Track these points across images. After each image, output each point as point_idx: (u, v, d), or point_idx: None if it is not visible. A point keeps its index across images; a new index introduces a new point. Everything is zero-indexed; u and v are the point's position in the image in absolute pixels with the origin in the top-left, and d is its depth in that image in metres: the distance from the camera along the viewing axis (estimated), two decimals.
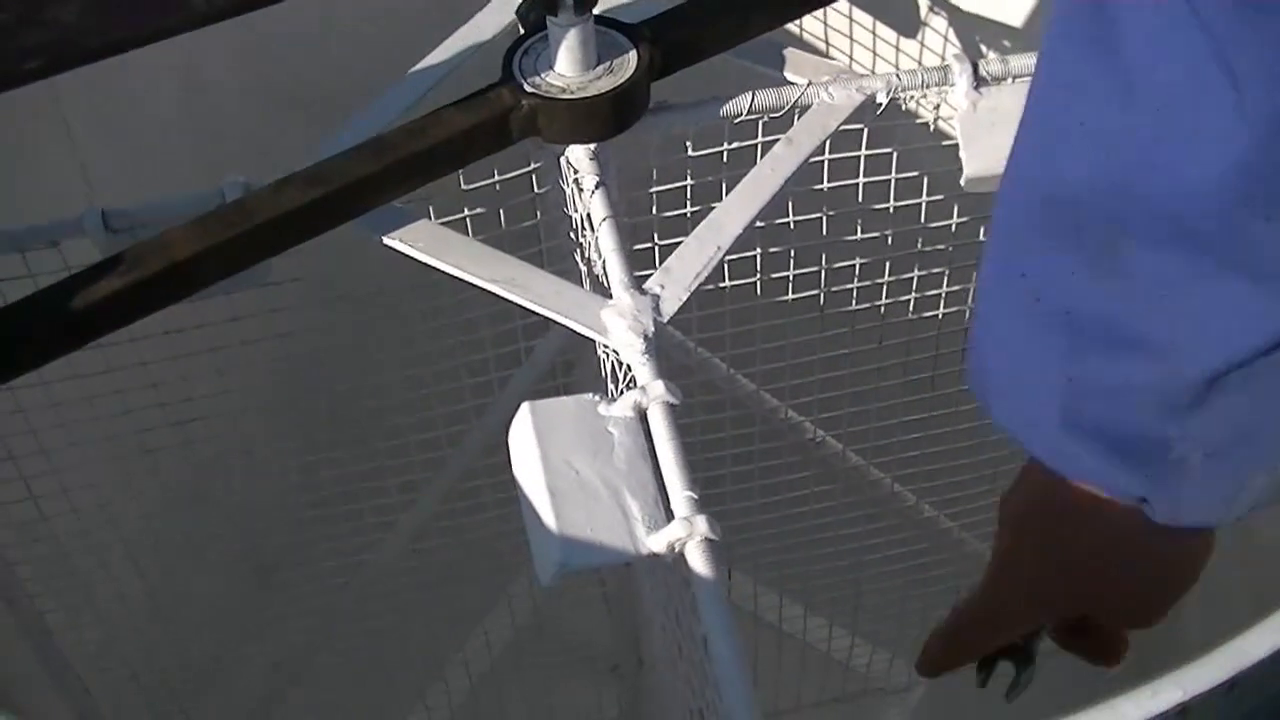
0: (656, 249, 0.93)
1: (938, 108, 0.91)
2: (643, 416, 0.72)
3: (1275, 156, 0.47)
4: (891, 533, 1.24)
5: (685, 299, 0.80)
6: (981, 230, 1.00)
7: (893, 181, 0.96)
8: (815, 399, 1.10)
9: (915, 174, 0.96)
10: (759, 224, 0.85)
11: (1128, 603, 0.68)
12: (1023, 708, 1.45)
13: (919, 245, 1.01)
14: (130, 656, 1.18)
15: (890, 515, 1.22)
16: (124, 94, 1.21)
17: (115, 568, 1.10)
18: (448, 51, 0.92)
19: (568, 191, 0.87)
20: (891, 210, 0.97)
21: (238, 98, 1.30)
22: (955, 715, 1.46)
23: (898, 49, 1.30)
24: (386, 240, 0.83)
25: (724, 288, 0.97)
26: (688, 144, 0.91)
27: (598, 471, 0.69)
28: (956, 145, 0.88)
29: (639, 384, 0.74)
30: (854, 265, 1.02)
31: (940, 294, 1.05)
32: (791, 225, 0.96)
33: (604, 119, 0.85)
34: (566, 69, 0.84)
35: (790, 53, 0.92)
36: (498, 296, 0.81)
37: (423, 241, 0.83)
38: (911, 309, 1.05)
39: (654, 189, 0.94)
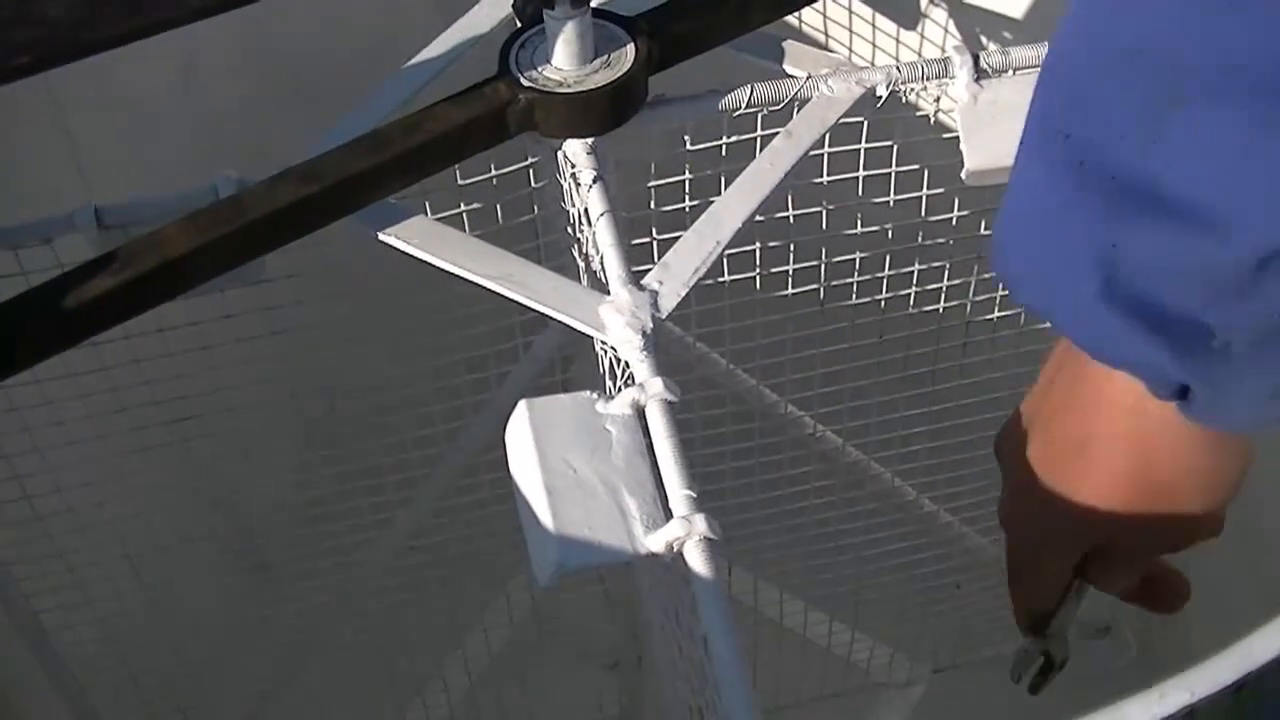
0: (655, 244, 0.92)
1: (938, 100, 0.91)
2: (641, 414, 0.71)
3: None
4: (892, 527, 1.23)
5: (684, 295, 0.79)
6: (982, 224, 0.99)
7: (893, 175, 0.95)
8: (815, 394, 1.09)
9: (915, 167, 0.95)
10: (758, 218, 0.84)
11: (1155, 523, 0.64)
12: (1027, 711, 1.45)
13: (919, 239, 1.00)
14: (127, 656, 1.18)
15: (891, 510, 1.22)
16: (120, 86, 1.20)
17: (111, 567, 1.09)
18: (444, 45, 0.91)
19: (565, 186, 0.86)
20: (891, 204, 0.97)
21: (236, 90, 1.29)
22: (956, 710, 1.45)
23: (898, 40, 1.29)
24: (382, 236, 0.82)
25: (723, 282, 0.97)
26: (686, 138, 0.91)
27: (595, 470, 0.68)
28: (957, 138, 0.88)
29: (637, 381, 0.73)
30: (854, 259, 1.01)
31: (941, 288, 1.04)
32: (791, 219, 0.95)
33: (601, 113, 0.84)
34: (564, 63, 0.84)
35: (789, 45, 0.92)
36: (495, 292, 0.80)
37: (419, 238, 0.82)
38: (912, 303, 1.04)
39: (652, 183, 0.94)
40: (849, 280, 1.02)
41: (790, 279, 1.00)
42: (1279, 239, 0.48)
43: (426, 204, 0.86)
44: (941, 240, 1.00)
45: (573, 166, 0.85)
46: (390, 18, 1.24)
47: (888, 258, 1.01)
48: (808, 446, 1.12)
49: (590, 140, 0.85)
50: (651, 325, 0.76)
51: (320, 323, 0.99)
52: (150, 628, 1.20)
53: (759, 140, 0.89)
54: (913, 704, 1.45)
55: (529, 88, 0.83)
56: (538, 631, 1.40)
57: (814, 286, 1.02)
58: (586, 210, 0.83)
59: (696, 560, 0.66)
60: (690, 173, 0.93)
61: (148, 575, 1.11)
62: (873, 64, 1.30)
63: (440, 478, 1.15)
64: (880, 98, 0.89)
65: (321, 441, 1.17)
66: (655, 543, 0.66)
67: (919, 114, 0.92)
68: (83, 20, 0.73)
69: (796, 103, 0.88)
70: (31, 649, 1.06)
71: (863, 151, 0.93)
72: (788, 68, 0.91)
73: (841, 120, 0.88)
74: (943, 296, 1.04)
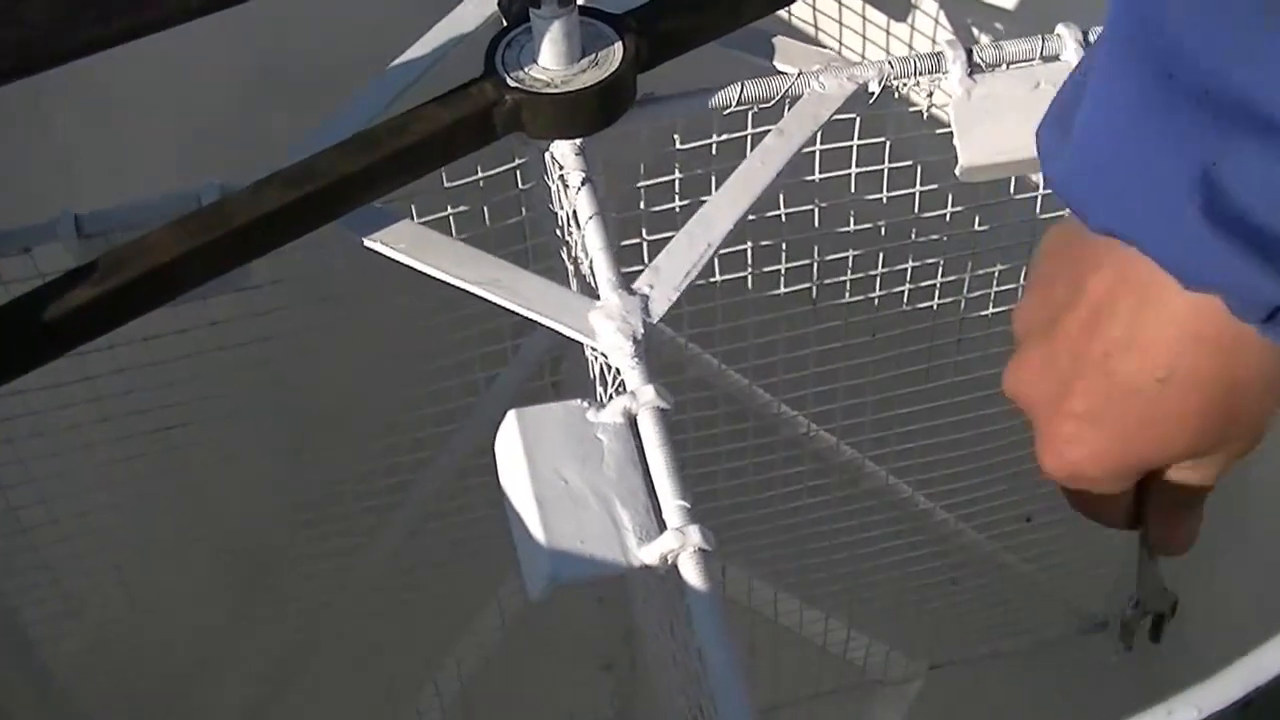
0: (645, 244, 0.91)
1: (930, 95, 0.89)
2: (633, 422, 0.70)
3: None
4: (887, 525, 1.22)
5: (675, 298, 0.78)
6: (976, 219, 0.98)
7: (885, 171, 0.94)
8: (809, 393, 1.08)
9: (909, 163, 0.94)
10: (750, 217, 0.83)
11: (1234, 444, 0.61)
12: (1024, 707, 1.44)
13: (913, 236, 0.99)
14: (115, 667, 1.17)
15: (886, 507, 1.21)
16: (107, 88, 1.18)
17: (99, 577, 1.08)
18: (428, 45, 0.90)
19: (553, 188, 0.85)
20: (885, 201, 0.96)
21: (226, 92, 1.28)
22: (954, 706, 1.45)
23: (888, 32, 1.28)
24: (368, 242, 0.81)
25: (715, 282, 0.95)
26: (676, 136, 0.89)
27: (587, 480, 0.67)
28: (951, 133, 0.86)
29: (629, 388, 0.72)
30: (847, 257, 1.00)
31: (935, 285, 1.03)
32: (783, 218, 0.94)
33: (589, 113, 0.83)
34: (550, 62, 0.82)
35: (780, 41, 0.90)
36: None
37: (405, 243, 0.81)
38: (906, 300, 1.03)
39: (642, 183, 0.92)
40: (842, 279, 1.01)
41: (782, 278, 0.99)
42: None
43: (413, 207, 0.84)
44: (935, 237, 0.99)
45: (560, 168, 0.83)
46: (382, 17, 1.23)
47: (881, 255, 1.00)
48: (802, 445, 1.11)
49: (578, 141, 0.83)
50: (643, 331, 0.75)
51: (307, 327, 0.98)
52: (138, 637, 1.18)
53: (750, 138, 0.88)
54: (910, 701, 1.44)
55: (515, 88, 0.82)
56: (530, 633, 1.40)
57: (806, 285, 1.00)
58: (575, 212, 0.82)
59: (691, 572, 0.64)
60: (680, 171, 0.92)
61: (135, 584, 1.10)
62: (863, 56, 1.29)
63: (430, 481, 1.14)
64: (873, 94, 0.88)
65: (310, 446, 1.16)
66: (649, 555, 0.65)
67: (912, 109, 0.91)
68: (63, 25, 0.71)
69: (788, 100, 0.87)
70: (17, 662, 1.05)
71: (855, 148, 0.92)
72: (778, 64, 0.90)
73: (834, 116, 0.87)
74: (936, 294, 1.03)
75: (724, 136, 0.89)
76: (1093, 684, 1.39)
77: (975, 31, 1.25)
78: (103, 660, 1.16)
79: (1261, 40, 0.47)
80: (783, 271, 0.99)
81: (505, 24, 0.86)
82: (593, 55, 0.83)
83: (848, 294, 1.02)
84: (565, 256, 0.88)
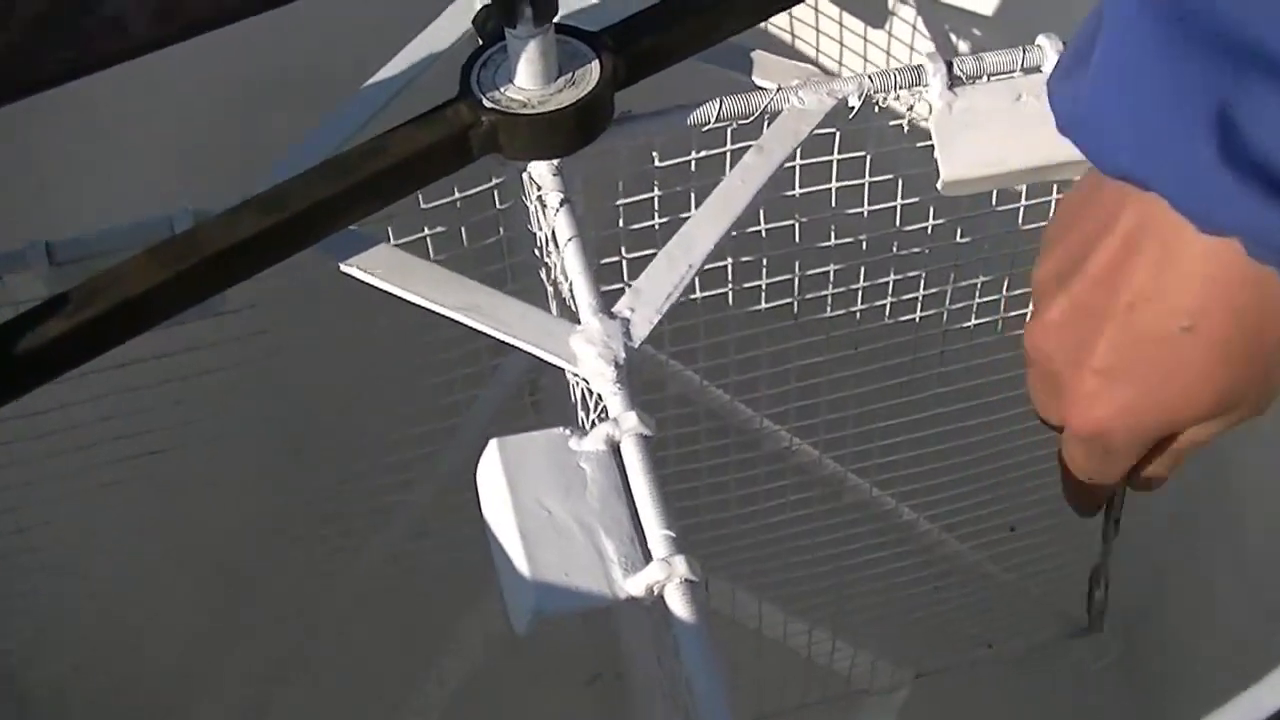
0: (625, 263, 0.90)
1: (911, 109, 0.89)
2: (616, 450, 0.69)
3: None
4: (871, 536, 1.22)
5: (656, 321, 0.77)
6: (958, 231, 0.97)
7: (866, 186, 0.94)
8: (791, 407, 1.08)
9: (889, 177, 0.93)
10: (731, 233, 0.83)
11: (1257, 393, 0.61)
12: (1009, 714, 1.43)
13: (895, 249, 0.98)
14: (94, 692, 1.15)
15: (869, 519, 1.21)
16: (87, 110, 1.17)
17: (76, 602, 1.07)
18: (402, 64, 0.89)
19: (531, 208, 0.84)
20: (866, 215, 0.95)
21: (207, 114, 1.26)
22: (940, 714, 1.45)
23: (865, 39, 1.27)
24: (344, 267, 0.80)
25: (696, 299, 0.95)
26: (654, 154, 0.89)
27: (570, 511, 0.66)
28: (932, 146, 0.86)
29: (611, 415, 0.71)
30: (829, 271, 0.99)
31: (917, 297, 1.02)
32: (763, 234, 0.93)
33: (567, 133, 0.82)
34: (527, 82, 0.81)
35: (758, 56, 0.89)
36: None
37: (382, 268, 0.80)
38: (888, 314, 1.03)
39: (620, 201, 0.92)
40: (824, 293, 1.00)
41: (764, 293, 0.98)
42: None
43: (389, 229, 0.84)
44: (917, 250, 0.99)
45: (538, 189, 0.82)
46: (362, 36, 1.22)
47: (862, 269, 0.99)
48: (784, 459, 1.11)
49: (556, 161, 0.83)
50: (624, 356, 0.74)
51: (284, 349, 0.97)
52: (118, 662, 1.17)
53: (729, 154, 0.87)
54: (896, 709, 1.44)
55: (492, 109, 0.81)
56: (515, 649, 1.39)
57: (788, 300, 1.00)
58: (554, 233, 0.81)
59: (677, 604, 0.64)
60: (660, 189, 0.91)
61: (114, 608, 1.09)
62: (841, 64, 1.28)
63: (413, 501, 1.13)
64: (853, 108, 0.87)
65: (292, 469, 1.15)
66: (635, 587, 0.64)
67: (892, 123, 0.90)
68: (28, 56, 0.70)
69: (767, 116, 0.86)
70: None
71: (835, 163, 0.91)
72: (757, 79, 0.89)
73: (813, 132, 0.86)
74: (919, 306, 1.03)
75: (703, 153, 0.88)
76: (1079, 689, 1.39)
77: (954, 39, 1.24)
78: (82, 690, 1.15)
79: None
80: (764, 287, 0.98)
81: (480, 42, 0.85)
82: (569, 74, 0.82)
83: (830, 308, 1.01)
84: (544, 277, 0.87)
